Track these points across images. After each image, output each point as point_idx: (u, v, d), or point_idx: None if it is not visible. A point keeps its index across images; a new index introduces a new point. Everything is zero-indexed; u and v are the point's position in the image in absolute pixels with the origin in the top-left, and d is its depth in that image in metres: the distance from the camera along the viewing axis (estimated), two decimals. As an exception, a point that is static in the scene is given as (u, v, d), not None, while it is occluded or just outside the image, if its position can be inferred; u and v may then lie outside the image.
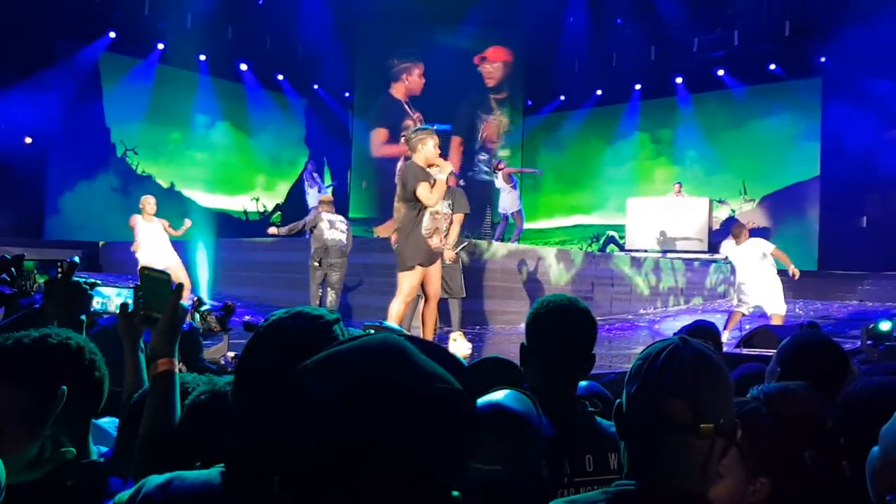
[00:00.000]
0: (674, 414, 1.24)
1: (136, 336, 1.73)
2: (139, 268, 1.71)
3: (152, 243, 9.37)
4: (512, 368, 2.06)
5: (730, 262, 9.75)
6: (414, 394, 0.78)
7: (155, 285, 1.66)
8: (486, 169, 18.53)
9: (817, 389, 1.85)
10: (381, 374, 0.78)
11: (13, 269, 1.84)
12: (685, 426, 1.24)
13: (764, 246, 8.90)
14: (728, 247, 9.11)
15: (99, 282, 1.95)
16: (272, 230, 9.58)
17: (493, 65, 18.65)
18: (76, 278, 1.85)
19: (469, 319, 9.11)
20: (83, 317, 1.79)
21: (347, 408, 0.76)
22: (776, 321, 8.45)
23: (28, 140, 14.61)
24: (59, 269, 1.82)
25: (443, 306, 7.00)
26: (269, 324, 1.31)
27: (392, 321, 5.64)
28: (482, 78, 18.94)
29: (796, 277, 8.96)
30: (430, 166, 5.77)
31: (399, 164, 5.91)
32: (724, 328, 8.32)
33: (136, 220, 9.46)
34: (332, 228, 8.84)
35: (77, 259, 1.76)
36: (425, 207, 5.71)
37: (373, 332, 2.22)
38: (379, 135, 18.79)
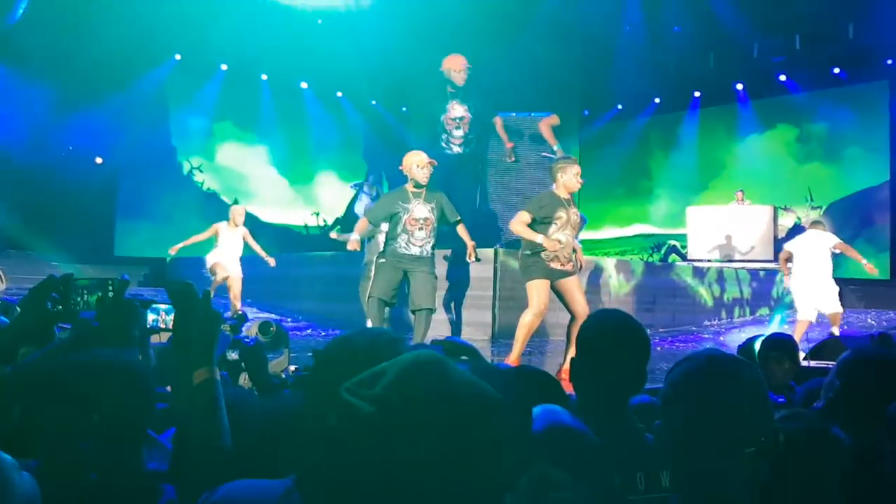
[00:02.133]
0: (713, 439, 1.24)
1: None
2: (165, 283, 1.75)
3: (226, 248, 9.69)
4: (551, 381, 2.06)
5: None
6: (449, 403, 0.81)
7: (181, 295, 1.70)
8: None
9: (880, 409, 1.81)
10: (412, 383, 0.82)
11: (61, 289, 1.90)
12: (726, 449, 1.24)
13: (828, 238, 8.45)
14: (792, 243, 8.78)
15: (155, 300, 2.02)
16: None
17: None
18: (129, 295, 1.92)
19: (536, 332, 9.07)
20: (136, 332, 1.85)
21: (384, 424, 0.80)
22: (834, 322, 8.19)
23: (99, 160, 15.20)
24: (111, 288, 1.89)
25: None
26: (337, 341, 1.36)
27: (521, 330, 5.96)
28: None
29: (875, 273, 8.54)
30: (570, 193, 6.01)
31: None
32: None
33: (221, 226, 9.79)
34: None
35: (128, 277, 1.83)
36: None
37: (442, 347, 2.26)
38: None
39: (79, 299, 1.95)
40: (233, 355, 2.86)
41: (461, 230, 6.87)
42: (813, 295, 8.38)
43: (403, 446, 0.79)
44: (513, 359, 6.01)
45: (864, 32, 14.42)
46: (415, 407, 0.80)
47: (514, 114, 10.87)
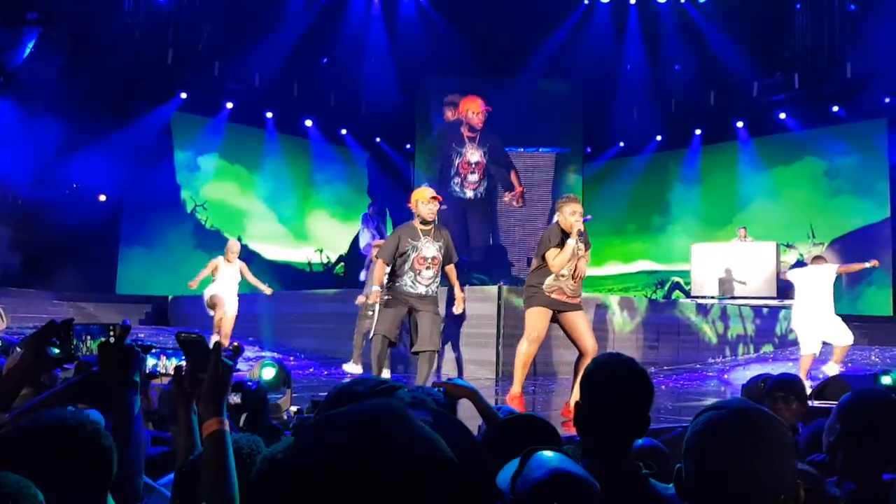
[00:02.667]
0: (735, 490, 1.23)
1: (188, 400, 1.77)
2: (176, 335, 1.76)
3: (223, 283, 9.73)
4: (546, 429, 2.05)
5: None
6: (396, 458, 0.79)
7: (192, 347, 1.72)
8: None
9: (881, 453, 1.80)
10: (366, 438, 0.81)
11: (62, 334, 1.92)
12: (747, 502, 1.23)
13: (829, 269, 8.38)
14: (793, 272, 8.74)
15: (155, 346, 2.03)
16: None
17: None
18: (131, 340, 1.92)
19: (539, 370, 9.05)
20: (137, 378, 1.85)
21: (331, 468, 0.79)
22: (840, 353, 8.12)
23: (102, 198, 15.28)
24: (112, 333, 1.89)
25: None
26: (338, 390, 1.36)
27: (518, 358, 5.88)
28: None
29: (877, 264, 8.51)
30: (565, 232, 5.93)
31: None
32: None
33: (219, 261, 9.85)
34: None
35: (129, 323, 1.83)
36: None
37: (442, 389, 2.25)
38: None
39: (80, 344, 1.95)
40: (234, 398, 2.85)
41: (451, 272, 6.64)
42: (819, 328, 8.29)
43: (340, 493, 0.78)
44: (515, 391, 5.91)
45: (862, 71, 14.58)
46: (356, 456, 0.80)
47: (521, 149, 10.98)
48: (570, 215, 5.88)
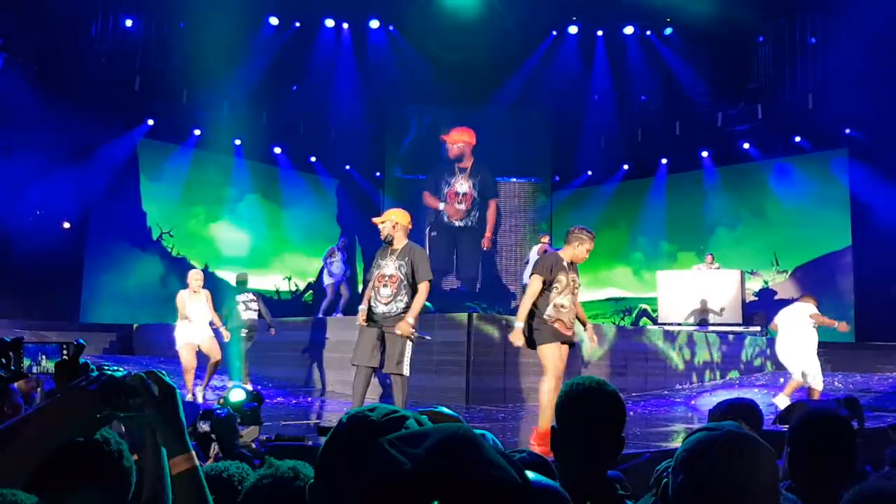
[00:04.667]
0: None
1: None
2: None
3: (194, 317, 9.15)
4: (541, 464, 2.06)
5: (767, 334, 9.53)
6: (476, 476, 0.83)
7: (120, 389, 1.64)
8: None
9: (825, 467, 1.82)
10: (452, 454, 0.84)
11: (10, 353, 1.90)
12: None
13: (808, 308, 8.56)
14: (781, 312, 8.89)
15: (120, 368, 1.99)
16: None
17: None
18: (95, 364, 1.89)
19: (510, 397, 9.05)
20: None
21: (418, 476, 0.82)
22: (815, 396, 8.28)
23: (66, 225, 15.05)
24: (65, 352, 1.87)
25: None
26: (352, 415, 1.35)
27: (545, 395, 5.74)
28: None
29: (847, 329, 8.67)
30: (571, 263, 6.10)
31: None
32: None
33: (183, 295, 9.25)
34: (248, 309, 9.81)
35: (83, 342, 1.80)
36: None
37: (426, 416, 2.25)
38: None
39: (31, 362, 1.93)
40: (204, 427, 2.80)
41: (419, 290, 6.33)
42: (799, 363, 8.49)
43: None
44: (544, 428, 5.64)
45: (824, 103, 14.97)
46: (452, 475, 0.83)
47: (498, 178, 11.08)
48: (587, 252, 6.08)
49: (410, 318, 6.16)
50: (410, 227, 6.68)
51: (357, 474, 0.95)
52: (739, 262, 16.17)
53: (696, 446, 1.32)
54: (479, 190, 9.50)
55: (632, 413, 8.70)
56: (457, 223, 9.54)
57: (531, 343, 5.97)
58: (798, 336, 8.50)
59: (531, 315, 5.96)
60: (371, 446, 0.91)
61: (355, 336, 6.52)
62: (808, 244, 16.33)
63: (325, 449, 1.32)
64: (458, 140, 10.39)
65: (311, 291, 18.80)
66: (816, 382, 8.45)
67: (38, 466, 1.42)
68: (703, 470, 1.29)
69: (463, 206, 9.64)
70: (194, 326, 9.08)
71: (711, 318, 14.02)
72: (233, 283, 10.70)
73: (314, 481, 1.33)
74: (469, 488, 0.82)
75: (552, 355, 5.87)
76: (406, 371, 6.21)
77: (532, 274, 6.05)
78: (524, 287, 13.88)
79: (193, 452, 1.50)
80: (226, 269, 17.48)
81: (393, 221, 6.50)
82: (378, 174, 19.68)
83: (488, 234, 11.65)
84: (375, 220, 6.70)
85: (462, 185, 9.37)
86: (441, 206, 10.00)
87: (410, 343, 6.23)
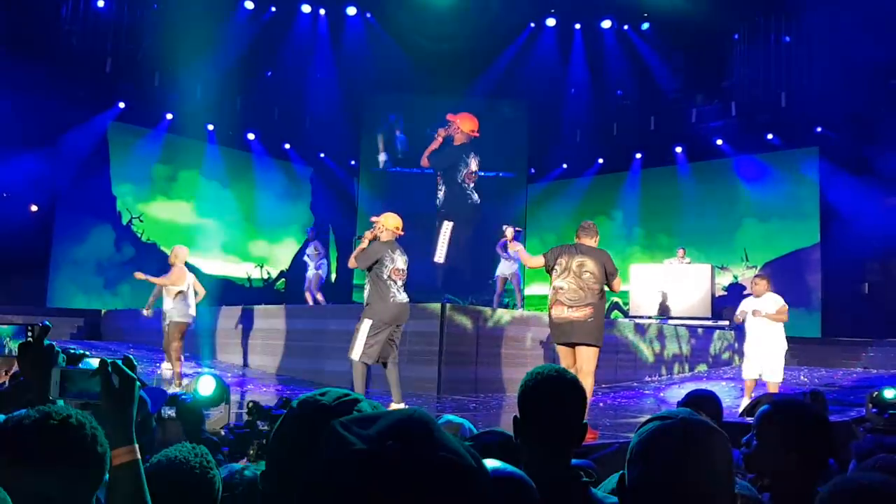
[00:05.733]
0: (675, 501, 1.25)
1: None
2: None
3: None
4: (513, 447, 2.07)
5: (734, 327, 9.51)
6: (427, 457, 0.83)
7: (77, 377, 1.62)
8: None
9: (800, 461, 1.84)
10: (405, 436, 0.85)
11: None
12: None
13: (778, 301, 8.49)
14: (746, 302, 8.79)
15: (87, 353, 1.97)
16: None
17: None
18: (60, 347, 1.86)
19: (482, 387, 9.07)
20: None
21: (369, 456, 0.82)
22: (772, 389, 8.32)
23: (34, 208, 14.79)
24: (30, 333, 1.84)
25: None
26: (303, 400, 1.34)
27: None
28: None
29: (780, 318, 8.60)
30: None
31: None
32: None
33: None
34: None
35: (49, 323, 1.78)
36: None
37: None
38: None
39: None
40: (169, 412, 2.77)
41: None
42: (761, 357, 8.44)
43: (384, 492, 0.80)
44: None
45: (796, 102, 15.16)
46: (404, 457, 0.83)
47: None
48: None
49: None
50: (400, 233, 7.19)
51: (308, 457, 0.94)
52: (710, 256, 16.34)
53: (651, 437, 1.32)
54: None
55: (601, 404, 8.77)
56: (476, 199, 9.70)
57: None
58: (769, 332, 8.47)
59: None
60: (322, 429, 0.90)
61: (326, 324, 6.58)
62: (778, 240, 16.53)
63: (276, 434, 1.31)
64: (474, 128, 10.43)
65: (283, 280, 18.69)
66: (776, 377, 8.40)
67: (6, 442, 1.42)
68: (658, 461, 1.29)
69: (474, 183, 9.79)
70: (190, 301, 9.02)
71: (681, 312, 14.16)
72: (204, 270, 10.59)
73: (266, 467, 1.32)
74: (420, 468, 0.82)
75: (560, 357, 6.25)
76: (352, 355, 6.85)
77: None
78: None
79: (137, 447, 1.50)
80: (196, 255, 17.31)
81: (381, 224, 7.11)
82: (353, 163, 19.58)
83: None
84: (375, 218, 7.28)
85: (473, 163, 9.53)
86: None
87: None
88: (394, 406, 6.45)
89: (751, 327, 8.63)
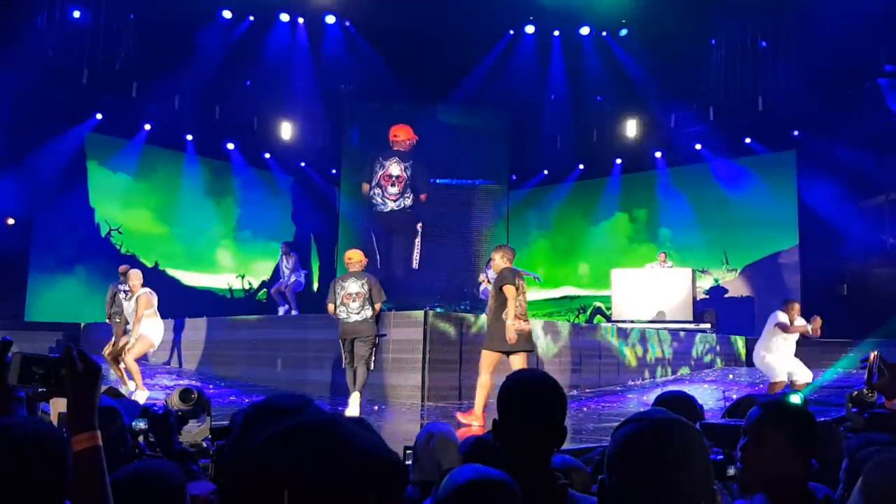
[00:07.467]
0: (655, 502, 1.24)
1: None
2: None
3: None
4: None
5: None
6: (355, 458, 0.90)
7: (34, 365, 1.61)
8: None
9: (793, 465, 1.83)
10: (328, 442, 0.91)
11: None
12: None
13: (779, 316, 9.08)
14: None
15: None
16: None
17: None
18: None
19: (466, 394, 9.04)
20: (22, 393, 1.77)
21: (267, 448, 0.90)
22: (800, 387, 8.64)
23: (10, 221, 14.61)
24: None
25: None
26: (255, 405, 1.33)
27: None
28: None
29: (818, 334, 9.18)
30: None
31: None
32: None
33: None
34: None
35: (10, 339, 1.75)
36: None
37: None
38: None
39: None
40: (140, 425, 2.74)
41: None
42: (785, 363, 9.00)
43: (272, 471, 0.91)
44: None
45: (773, 106, 15.30)
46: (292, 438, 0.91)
47: (452, 181, 10.99)
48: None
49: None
50: (350, 264, 8.11)
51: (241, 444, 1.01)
52: (691, 260, 16.45)
53: (626, 440, 1.31)
54: (410, 175, 9.46)
55: (585, 409, 8.78)
56: (390, 205, 9.49)
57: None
58: (778, 341, 9.00)
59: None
60: (259, 423, 0.98)
61: (307, 334, 6.61)
62: (757, 243, 16.67)
63: (229, 443, 1.31)
64: (412, 136, 10.34)
65: (264, 290, 18.58)
66: (804, 377, 9.06)
67: None
68: (633, 462, 1.28)
69: (395, 189, 9.54)
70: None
71: (663, 316, 14.23)
72: (184, 281, 10.51)
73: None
74: (346, 469, 0.89)
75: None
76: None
77: (506, 285, 7.07)
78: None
79: (98, 432, 1.50)
80: (176, 267, 17.19)
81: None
82: (334, 171, 19.53)
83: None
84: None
85: (394, 167, 9.31)
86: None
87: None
88: (351, 398, 7.72)
89: (788, 339, 9.18)
